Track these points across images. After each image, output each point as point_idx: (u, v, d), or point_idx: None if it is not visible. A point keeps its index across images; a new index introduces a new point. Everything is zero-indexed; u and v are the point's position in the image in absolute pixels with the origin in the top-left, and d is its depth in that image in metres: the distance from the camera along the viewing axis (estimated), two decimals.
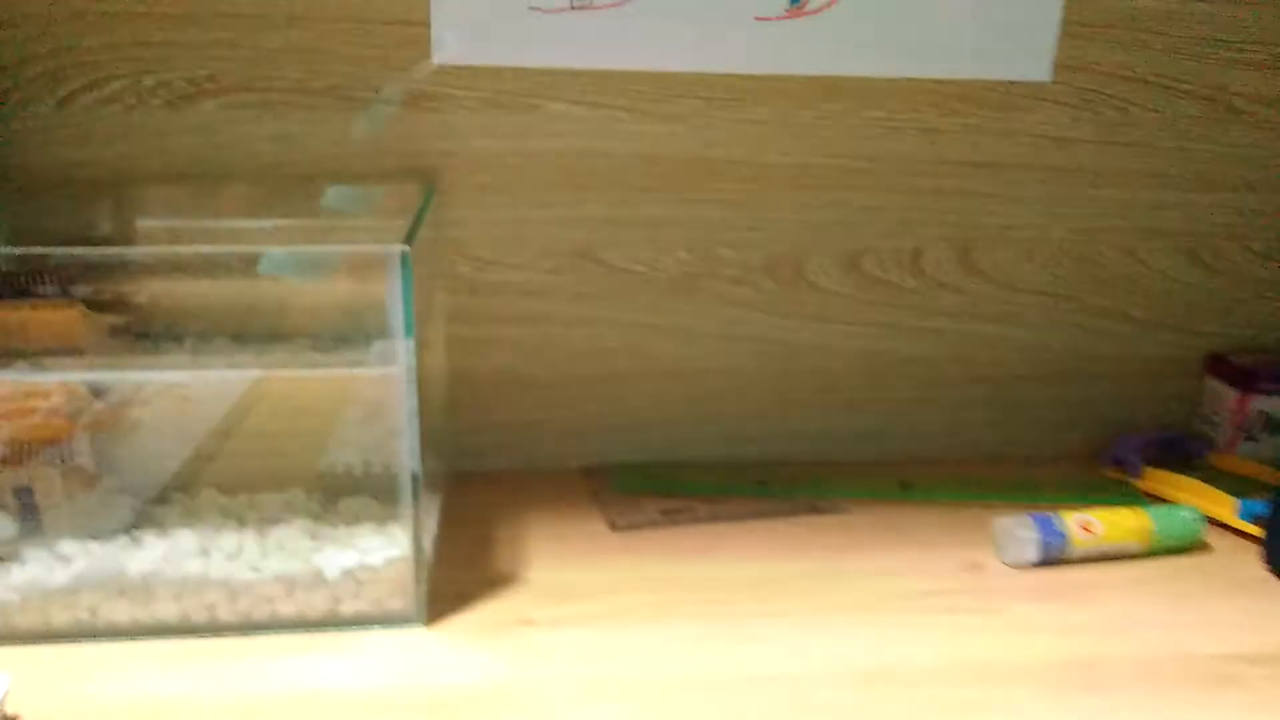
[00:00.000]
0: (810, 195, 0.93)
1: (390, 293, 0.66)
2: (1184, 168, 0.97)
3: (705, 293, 0.95)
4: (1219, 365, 1.02)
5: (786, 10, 0.87)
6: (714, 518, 0.90)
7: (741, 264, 0.95)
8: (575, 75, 0.87)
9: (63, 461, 0.71)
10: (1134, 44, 0.92)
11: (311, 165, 0.86)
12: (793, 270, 0.95)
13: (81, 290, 0.71)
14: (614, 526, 0.88)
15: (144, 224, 0.84)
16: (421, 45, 0.84)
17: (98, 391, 0.73)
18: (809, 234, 0.95)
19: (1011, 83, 0.92)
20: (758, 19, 0.87)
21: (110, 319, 0.74)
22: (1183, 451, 1.00)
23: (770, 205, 0.93)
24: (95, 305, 0.72)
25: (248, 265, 0.71)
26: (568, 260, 0.92)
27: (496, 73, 0.86)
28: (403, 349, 0.67)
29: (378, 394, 0.73)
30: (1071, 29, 0.90)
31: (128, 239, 0.83)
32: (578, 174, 0.90)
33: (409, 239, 0.66)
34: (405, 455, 0.70)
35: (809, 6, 0.88)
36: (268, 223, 0.85)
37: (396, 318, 0.66)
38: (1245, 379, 0.99)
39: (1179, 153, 0.96)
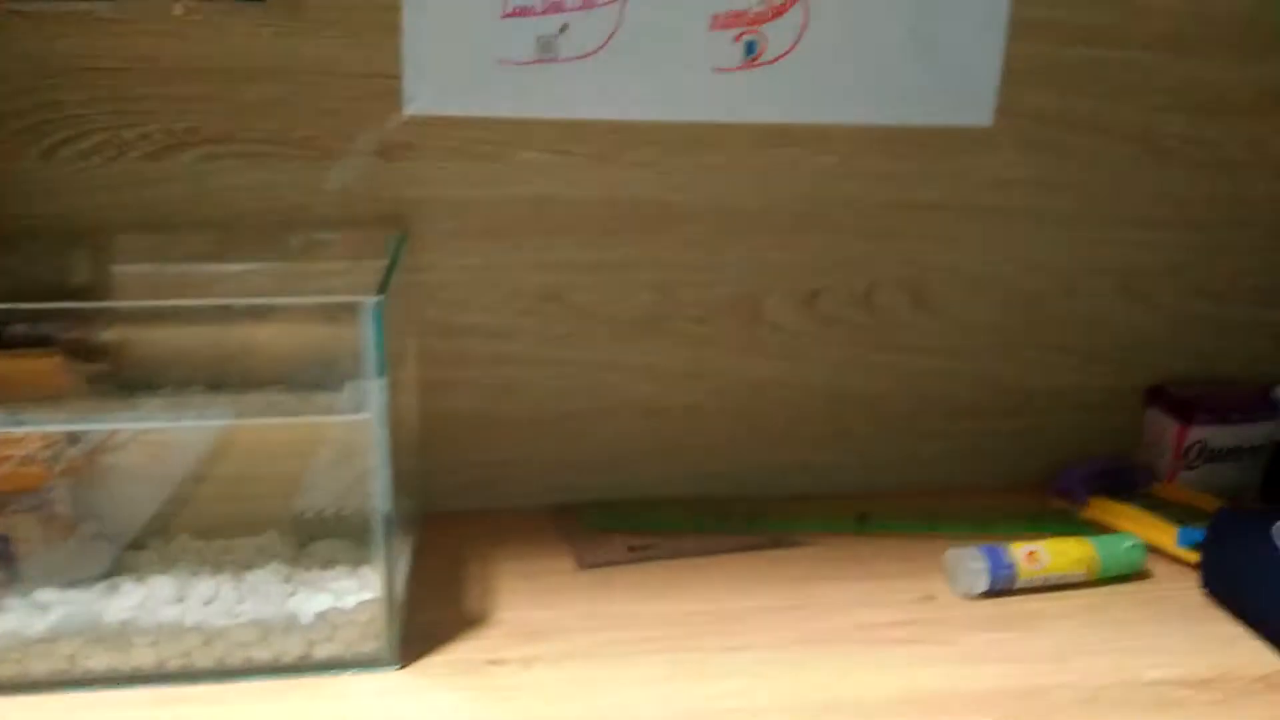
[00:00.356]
0: (768, 237, 0.97)
1: (363, 339, 0.68)
2: (1120, 207, 1.01)
3: (669, 332, 0.98)
4: (1159, 397, 1.06)
5: (742, 62, 0.91)
6: (679, 554, 0.93)
7: (703, 304, 0.98)
8: (542, 125, 0.90)
9: (40, 509, 0.72)
10: (1070, 89, 0.96)
11: (287, 213, 0.88)
12: (752, 309, 0.99)
13: (60, 339, 0.72)
14: (583, 564, 0.90)
15: (122, 272, 0.86)
16: (393, 97, 0.87)
17: (75, 439, 0.75)
18: (767, 274, 0.98)
19: (955, 128, 0.96)
20: (716, 70, 0.91)
21: (89, 367, 0.75)
22: (1127, 481, 1.04)
23: (730, 247, 0.97)
24: (74, 354, 0.73)
25: (222, 313, 0.73)
26: (536, 303, 0.95)
27: (466, 123, 0.89)
28: (375, 394, 0.69)
29: (350, 438, 0.75)
30: (1011, 76, 0.94)
31: (107, 288, 0.85)
32: (545, 219, 0.92)
33: (382, 289, 0.69)
34: (378, 498, 0.72)
35: (763, 58, 0.91)
36: (242, 266, 0.86)
37: (369, 364, 0.69)
38: (1185, 410, 1.03)
39: (1114, 193, 1.01)
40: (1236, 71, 0.98)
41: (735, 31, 0.90)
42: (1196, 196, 1.02)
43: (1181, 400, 1.04)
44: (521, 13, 0.87)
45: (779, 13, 0.90)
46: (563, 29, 0.88)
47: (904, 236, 0.98)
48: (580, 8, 0.87)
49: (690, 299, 0.97)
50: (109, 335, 0.77)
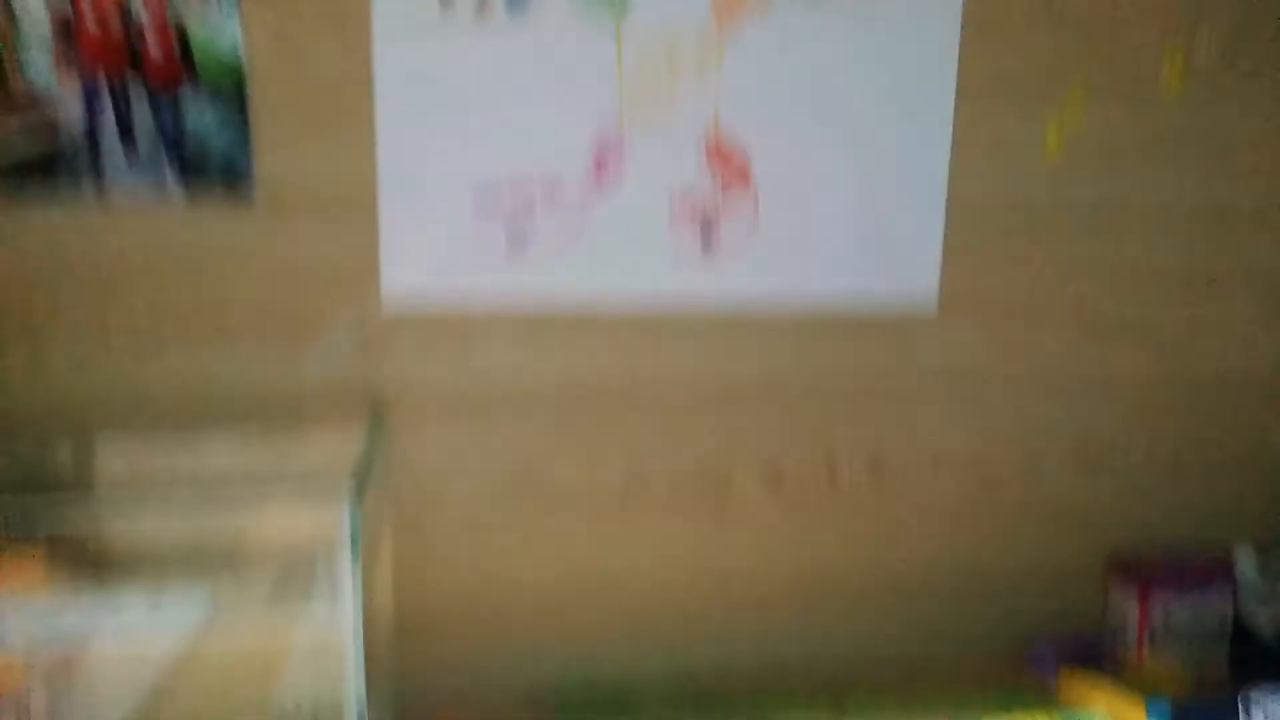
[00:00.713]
0: (731, 413, 1.00)
1: (339, 528, 0.69)
2: (1066, 381, 1.06)
3: (639, 509, 1.00)
4: (1121, 569, 1.08)
5: (700, 252, 0.96)
6: None
7: (671, 479, 1.00)
8: (511, 314, 0.94)
9: (18, 712, 0.70)
10: (1008, 272, 1.02)
11: (268, 400, 0.90)
12: (719, 484, 1.01)
13: (42, 535, 0.72)
14: None
15: (105, 465, 0.86)
16: (371, 289, 0.91)
17: (53, 638, 0.73)
18: (734, 449, 1.01)
19: (904, 308, 1.01)
20: (676, 261, 0.96)
21: (69, 563, 0.74)
22: (1095, 654, 1.04)
23: (695, 423, 1.00)
24: (55, 550, 0.73)
25: (201, 504, 0.73)
26: (509, 483, 0.97)
27: (440, 312, 0.93)
28: (350, 583, 0.69)
29: (325, 630, 0.74)
30: (952, 261, 1.00)
31: (90, 481, 0.85)
32: (516, 403, 0.96)
33: (358, 478, 0.70)
34: (351, 689, 0.71)
35: (719, 248, 0.96)
36: (222, 455, 0.87)
37: (344, 553, 0.69)
38: (1146, 583, 1.05)
39: (1060, 369, 1.05)
40: (1170, 250, 1.04)
41: (692, 225, 0.96)
42: (1137, 374, 1.06)
43: (1142, 572, 1.05)
44: (493, 209, 0.92)
45: (732, 206, 0.96)
46: (532, 225, 0.92)
47: (862, 413, 1.02)
48: (549, 206, 0.92)
49: (660, 475, 0.99)
50: (90, 529, 0.76)
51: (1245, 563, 1.07)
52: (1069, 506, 1.08)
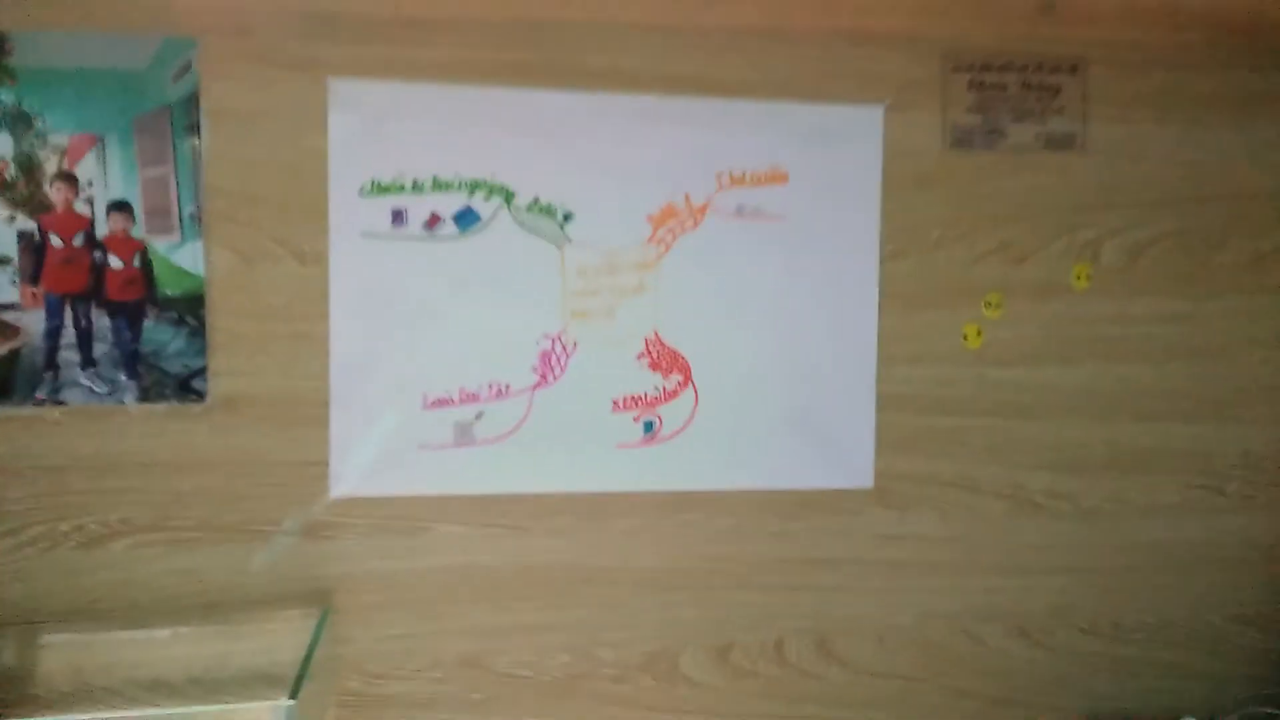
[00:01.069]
0: (677, 595, 1.02)
1: None
2: (1002, 556, 1.09)
3: (587, 693, 1.01)
4: None
5: (642, 438, 1.01)
6: None
7: (620, 663, 1.01)
8: (460, 500, 0.98)
9: None
10: (939, 454, 1.06)
11: (215, 595, 0.92)
12: (668, 666, 1.02)
13: None
14: None
15: (49, 659, 0.88)
16: (320, 482, 0.94)
17: None
18: (681, 630, 1.02)
19: (841, 490, 1.05)
20: (619, 446, 1.01)
21: None
22: None
23: (642, 606, 1.02)
24: None
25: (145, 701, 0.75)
26: (455, 669, 0.98)
27: (388, 502, 0.96)
28: None
29: None
30: (885, 445, 1.05)
31: (33, 676, 0.87)
32: (463, 588, 0.98)
33: (298, 679, 0.72)
34: None
35: (661, 434, 1.01)
36: (166, 651, 0.89)
37: None
38: None
39: (994, 544, 1.08)
40: (1094, 429, 1.08)
41: (634, 413, 1.00)
42: (1068, 544, 1.09)
43: None
44: (441, 404, 0.97)
45: (672, 396, 1.01)
46: (478, 416, 0.97)
47: (805, 590, 1.05)
48: (494, 397, 0.98)
49: (607, 658, 1.01)
50: None
51: None
52: (1013, 679, 1.09)
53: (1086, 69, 1.04)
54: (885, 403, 1.04)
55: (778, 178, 1.01)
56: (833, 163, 1.01)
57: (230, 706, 0.77)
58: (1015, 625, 1.10)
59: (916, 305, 1.04)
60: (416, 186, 0.95)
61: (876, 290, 1.03)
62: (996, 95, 1.03)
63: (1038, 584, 1.10)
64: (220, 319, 0.92)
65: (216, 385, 0.92)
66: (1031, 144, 1.04)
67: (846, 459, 1.05)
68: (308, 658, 0.79)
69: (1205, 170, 1.06)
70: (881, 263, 1.03)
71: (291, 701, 0.70)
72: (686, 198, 1.00)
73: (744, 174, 1.00)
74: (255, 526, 0.93)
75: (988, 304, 1.06)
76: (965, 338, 1.06)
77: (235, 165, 0.91)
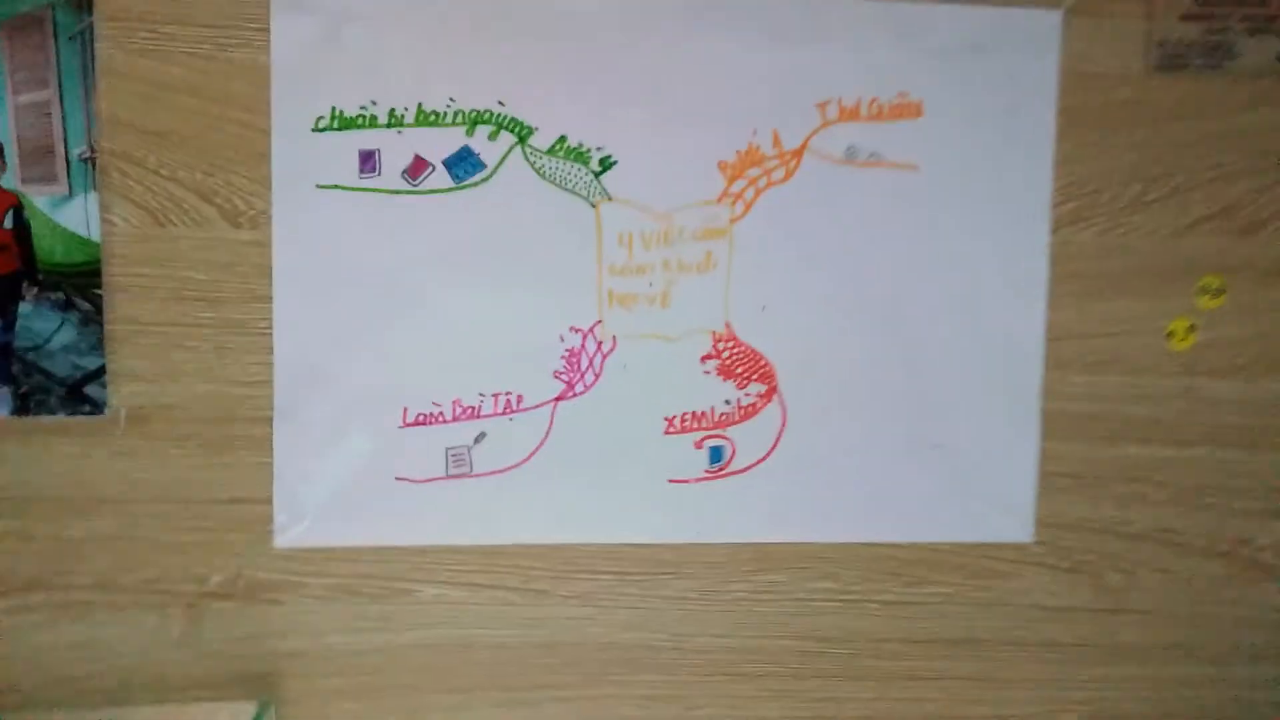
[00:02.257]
0: (749, 685, 0.78)
1: None
2: (1208, 637, 0.82)
3: None
4: None
5: (706, 471, 0.76)
6: None
7: None
8: (453, 552, 0.74)
9: None
10: (1130, 497, 0.80)
11: (121, 676, 0.72)
12: None
13: None
14: None
15: None
16: (261, 526, 0.72)
17: None
18: None
19: (989, 545, 0.79)
20: (673, 480, 0.76)
21: None
22: None
23: (701, 700, 0.77)
24: None
25: None
26: None
27: (355, 554, 0.73)
28: None
29: None
30: (1050, 480, 0.79)
31: None
32: (457, 672, 0.75)
33: None
34: None
35: (733, 465, 0.76)
36: None
37: None
38: None
39: (1200, 619, 0.82)
40: None
41: (696, 436, 0.75)
42: None
43: None
44: (427, 421, 0.73)
45: (750, 413, 0.75)
46: (479, 438, 0.73)
47: (935, 682, 0.80)
48: (500, 413, 0.73)
49: None
50: None
51: None
52: None
53: None
54: (1053, 426, 0.78)
55: (907, 110, 0.74)
56: (987, 90, 0.75)
57: None
58: None
59: (1102, 291, 0.78)
60: (394, 119, 0.70)
61: (1046, 269, 0.77)
62: None
63: (1258, 674, 0.82)
64: (123, 302, 0.69)
65: (119, 393, 0.69)
66: (1272, 67, 0.77)
67: (996, 502, 0.78)
68: None
69: None
70: (1053, 231, 0.77)
71: None
72: (775, 136, 0.73)
73: (858, 104, 0.74)
74: (172, 587, 0.71)
75: (1204, 290, 0.79)
76: (1171, 336, 0.79)
77: (143, 88, 0.68)
